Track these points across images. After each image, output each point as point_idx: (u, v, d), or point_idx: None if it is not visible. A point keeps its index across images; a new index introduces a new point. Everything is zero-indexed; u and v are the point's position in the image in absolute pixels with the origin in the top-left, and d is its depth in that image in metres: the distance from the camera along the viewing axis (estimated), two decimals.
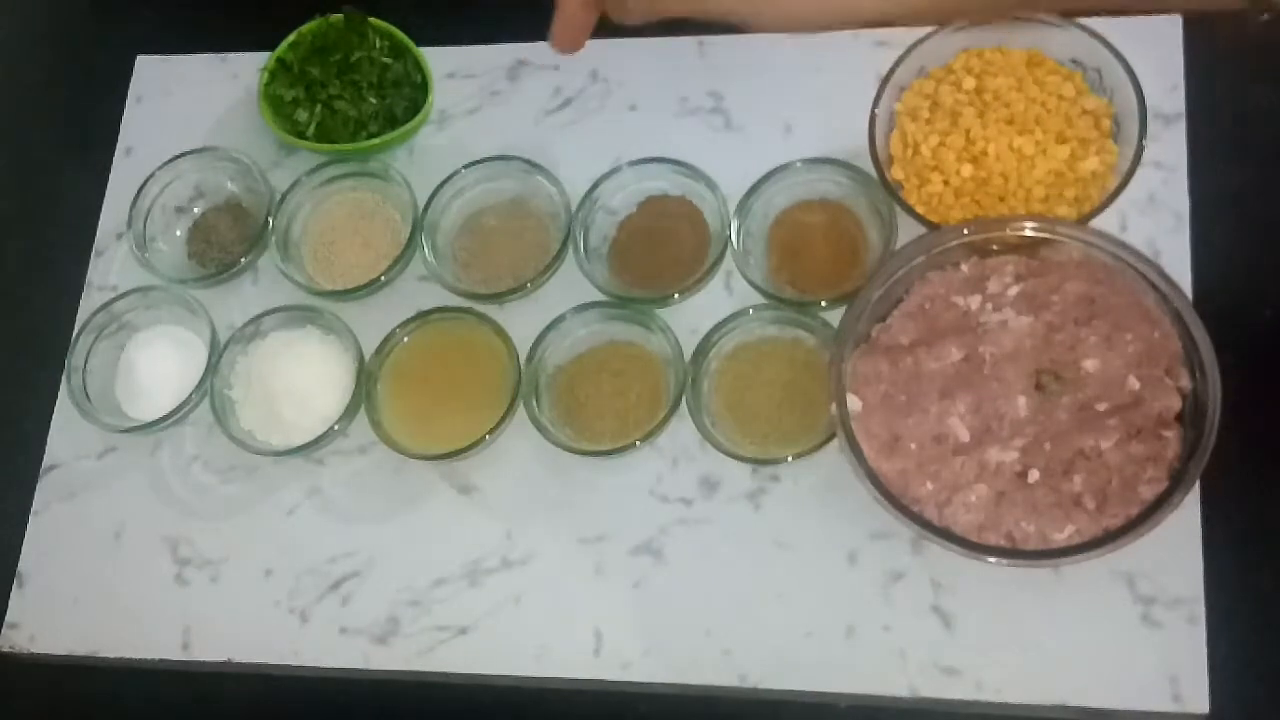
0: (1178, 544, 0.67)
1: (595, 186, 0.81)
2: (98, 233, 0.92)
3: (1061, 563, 0.66)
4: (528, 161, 0.83)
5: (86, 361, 0.85)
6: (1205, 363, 0.64)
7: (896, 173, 0.75)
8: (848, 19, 0.54)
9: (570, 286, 0.80)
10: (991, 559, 0.64)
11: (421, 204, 0.83)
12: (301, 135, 0.87)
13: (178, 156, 0.89)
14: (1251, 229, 0.75)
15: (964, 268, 0.71)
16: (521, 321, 0.79)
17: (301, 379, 0.81)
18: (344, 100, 0.86)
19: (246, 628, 0.78)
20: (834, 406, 0.67)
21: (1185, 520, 0.67)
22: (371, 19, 0.88)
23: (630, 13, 0.58)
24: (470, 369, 0.79)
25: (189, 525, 0.81)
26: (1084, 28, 0.73)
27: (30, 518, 0.84)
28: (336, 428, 0.79)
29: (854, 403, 0.68)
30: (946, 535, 0.65)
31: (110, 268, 0.90)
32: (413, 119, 0.86)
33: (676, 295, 0.77)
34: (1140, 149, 0.70)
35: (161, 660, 0.79)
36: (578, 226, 0.80)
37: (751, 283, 0.76)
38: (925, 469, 0.66)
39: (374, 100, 0.86)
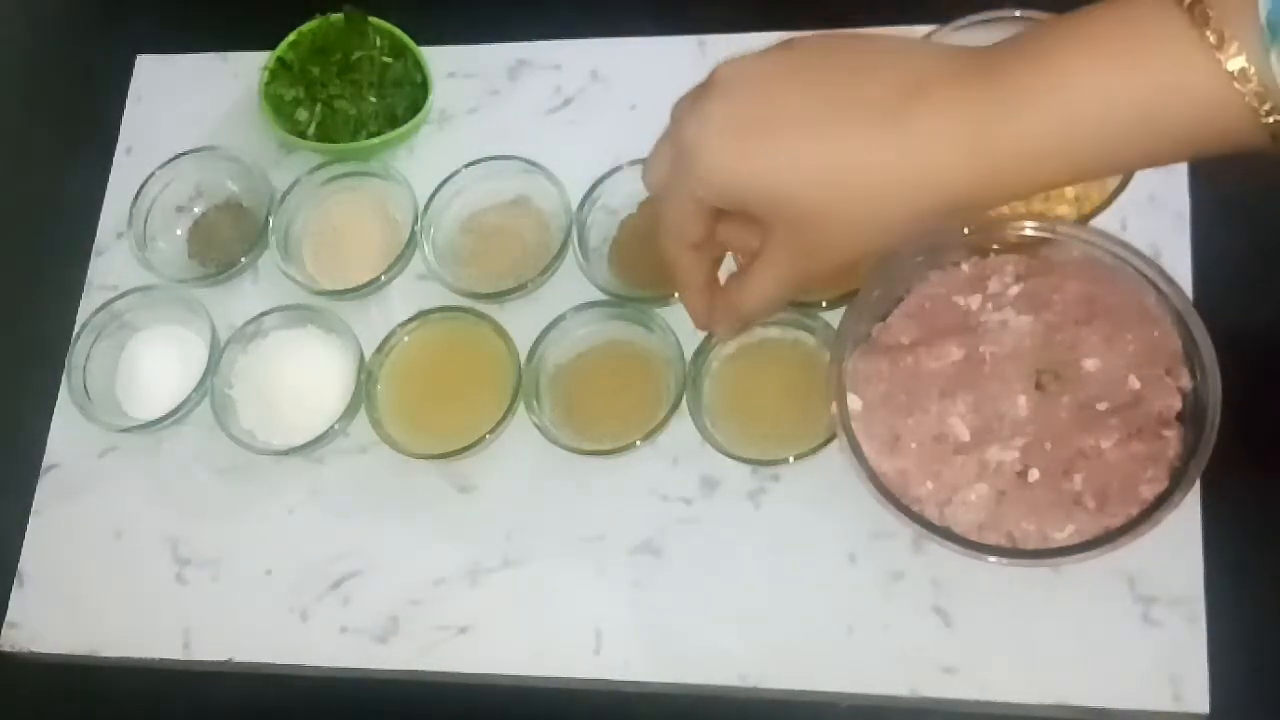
0: (1178, 544, 0.67)
1: (595, 186, 0.81)
2: (98, 232, 0.92)
3: (1061, 562, 0.66)
4: (528, 161, 0.83)
5: (87, 361, 0.85)
6: (1206, 362, 0.64)
7: None
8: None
9: (570, 286, 0.80)
10: (992, 558, 0.64)
11: (421, 204, 0.83)
12: (302, 135, 0.87)
13: (178, 156, 0.89)
14: (1252, 228, 0.75)
15: (964, 267, 0.71)
16: (521, 321, 0.79)
17: (302, 378, 0.81)
18: (344, 99, 0.86)
19: (247, 627, 0.78)
20: (834, 406, 0.67)
21: (1185, 520, 0.67)
22: (372, 18, 0.88)
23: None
24: (470, 368, 0.79)
25: (189, 525, 0.81)
26: None
27: (30, 518, 0.84)
28: (337, 427, 0.79)
29: (854, 402, 0.68)
30: (947, 535, 0.65)
31: (110, 267, 0.90)
32: (413, 118, 0.86)
33: (677, 295, 0.77)
34: None
35: (161, 660, 0.79)
36: (578, 226, 0.80)
37: None
38: (925, 468, 0.66)
39: (374, 100, 0.87)
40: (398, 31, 0.88)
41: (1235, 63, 0.44)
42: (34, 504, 0.85)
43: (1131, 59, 0.46)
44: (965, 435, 0.67)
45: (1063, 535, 0.64)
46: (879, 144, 0.50)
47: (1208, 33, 0.44)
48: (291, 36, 0.89)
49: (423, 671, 0.75)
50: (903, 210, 0.51)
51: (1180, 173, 0.76)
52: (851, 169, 0.50)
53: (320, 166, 0.87)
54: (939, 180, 0.50)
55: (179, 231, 0.90)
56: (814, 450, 0.71)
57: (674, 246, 0.59)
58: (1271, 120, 0.45)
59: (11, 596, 0.82)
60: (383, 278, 0.83)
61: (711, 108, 0.53)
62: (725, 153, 0.52)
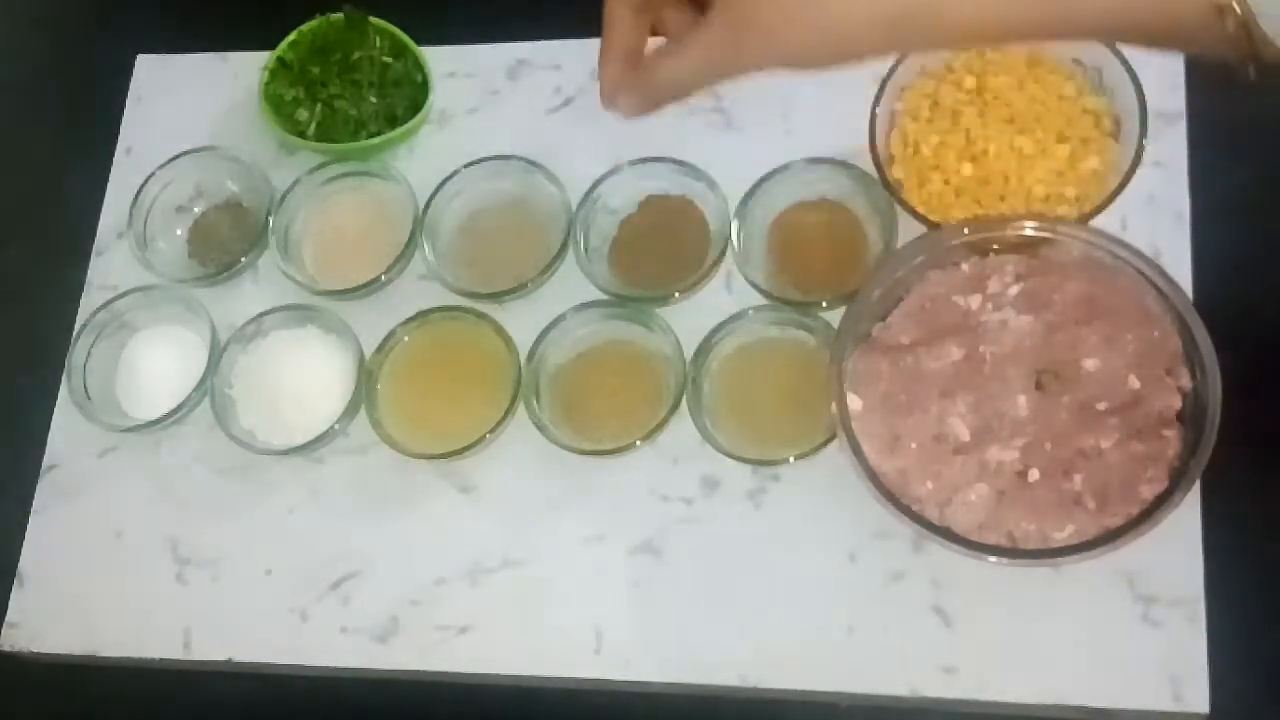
0: (1178, 544, 0.67)
1: (595, 186, 0.81)
2: (98, 232, 0.92)
3: (1061, 562, 0.66)
4: (528, 161, 0.83)
5: (87, 361, 0.85)
6: (1205, 362, 0.64)
7: (897, 172, 0.75)
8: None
9: (570, 286, 0.80)
10: (992, 558, 0.64)
11: (421, 204, 0.83)
12: (302, 134, 0.87)
13: (178, 156, 0.89)
14: (1252, 228, 0.76)
15: (964, 267, 0.71)
16: (521, 321, 0.79)
17: (302, 378, 0.81)
18: (344, 99, 0.86)
19: (247, 627, 0.78)
20: (834, 406, 0.67)
21: (1185, 520, 0.67)
22: (372, 18, 0.88)
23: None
24: (470, 368, 0.79)
25: (189, 524, 0.81)
26: None
27: (30, 517, 0.84)
28: (337, 427, 0.79)
29: (854, 402, 0.68)
30: (947, 534, 0.65)
31: (110, 267, 0.90)
32: (413, 118, 0.86)
33: (677, 295, 0.77)
34: (1140, 148, 0.70)
35: (162, 660, 0.79)
36: (578, 226, 0.80)
37: (752, 283, 0.76)
38: (926, 468, 0.66)
39: (374, 100, 0.87)
40: (398, 31, 0.88)
41: None
42: (34, 504, 0.85)
43: None
44: (965, 435, 0.67)
45: (1063, 535, 0.64)
46: None
47: None
48: (291, 36, 0.89)
49: (423, 671, 0.75)
50: (837, 10, 0.51)
51: (1180, 172, 0.76)
52: None
53: (320, 166, 0.87)
54: None
55: (179, 231, 0.90)
56: (814, 450, 0.71)
57: (614, 3, 0.59)
58: None
59: (11, 596, 0.82)
60: (383, 278, 0.83)
61: None
62: None
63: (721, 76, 0.58)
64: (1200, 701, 0.66)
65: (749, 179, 0.78)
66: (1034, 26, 0.50)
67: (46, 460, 0.86)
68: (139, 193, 0.88)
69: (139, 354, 0.85)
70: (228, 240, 0.88)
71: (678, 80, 0.58)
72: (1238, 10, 0.44)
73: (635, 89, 0.60)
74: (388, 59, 0.88)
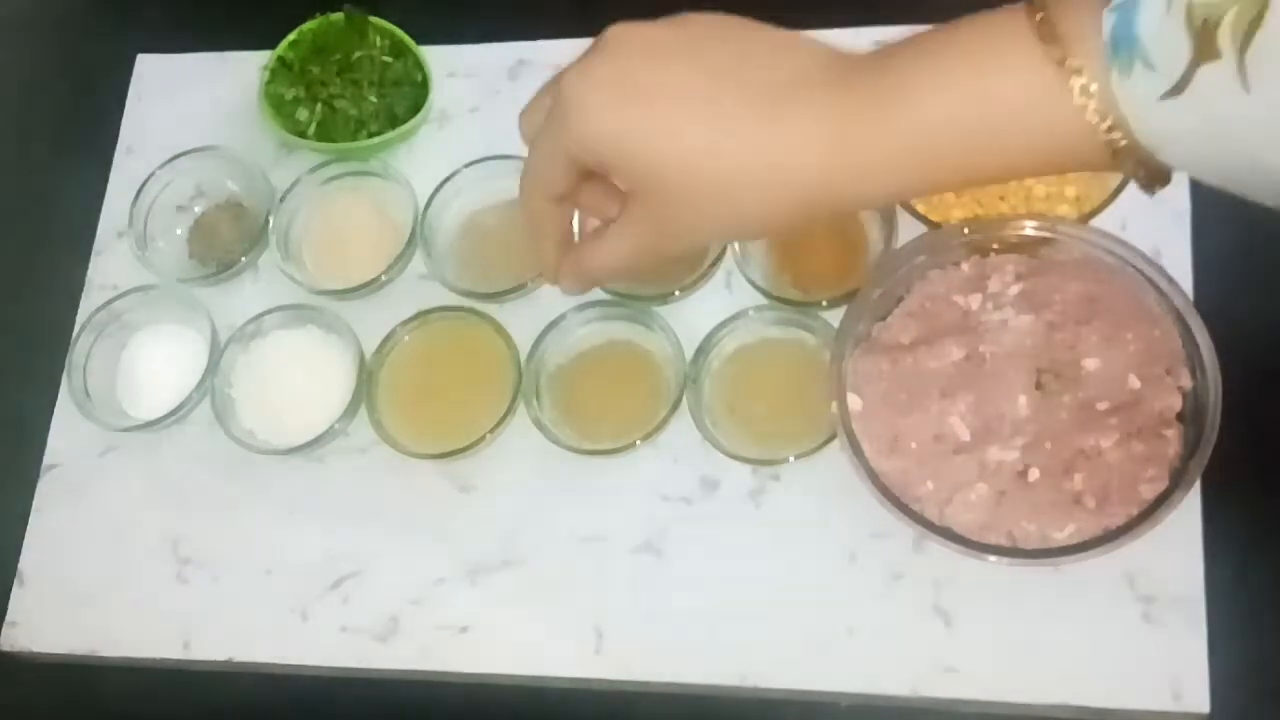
0: (1178, 543, 0.67)
1: None
2: (98, 232, 0.92)
3: (1062, 562, 0.66)
4: None
5: (87, 360, 0.85)
6: (1206, 362, 0.64)
7: None
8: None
9: None
10: (992, 558, 0.64)
11: (421, 203, 0.83)
12: (302, 134, 0.87)
13: (178, 155, 0.89)
14: (1252, 228, 0.75)
15: (964, 267, 0.71)
16: (521, 321, 0.79)
17: (302, 378, 0.81)
18: (344, 99, 0.86)
19: (247, 627, 0.78)
20: (834, 406, 0.67)
21: (1185, 520, 0.67)
22: (372, 18, 0.88)
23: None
24: (470, 368, 0.79)
25: (189, 524, 0.81)
26: None
27: (30, 517, 0.84)
28: (337, 427, 0.79)
29: (854, 402, 0.68)
30: (947, 534, 0.65)
31: (110, 267, 0.90)
32: (413, 118, 0.86)
33: (677, 294, 0.77)
34: None
35: (161, 660, 0.79)
36: (578, 226, 0.80)
37: (752, 283, 0.76)
38: (926, 468, 0.66)
39: (374, 99, 0.87)
40: (398, 31, 0.88)
41: (1077, 79, 0.44)
42: (34, 504, 0.85)
43: (977, 70, 0.46)
44: (965, 435, 0.67)
45: (1063, 535, 0.64)
46: (745, 135, 0.50)
47: (1053, 47, 0.44)
48: (292, 36, 0.89)
49: (423, 671, 0.75)
50: (756, 204, 0.51)
51: (1181, 172, 0.75)
52: (715, 154, 0.50)
53: (320, 166, 0.87)
54: (790, 179, 0.50)
55: (179, 231, 0.90)
56: (814, 450, 0.71)
57: (536, 197, 0.58)
58: (1109, 137, 0.44)
59: (11, 596, 0.82)
60: (383, 278, 0.83)
61: (595, 63, 0.52)
62: (601, 109, 0.51)
63: (652, 262, 0.58)
64: (1200, 701, 0.66)
65: None
66: (942, 183, 0.51)
67: (46, 460, 0.86)
68: (139, 193, 0.88)
69: (139, 354, 0.85)
70: (228, 240, 0.88)
71: (609, 268, 0.59)
72: (1132, 152, 0.44)
73: (571, 275, 0.60)
74: (388, 59, 0.87)
